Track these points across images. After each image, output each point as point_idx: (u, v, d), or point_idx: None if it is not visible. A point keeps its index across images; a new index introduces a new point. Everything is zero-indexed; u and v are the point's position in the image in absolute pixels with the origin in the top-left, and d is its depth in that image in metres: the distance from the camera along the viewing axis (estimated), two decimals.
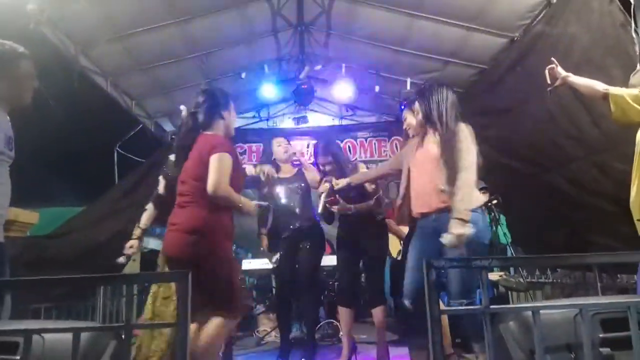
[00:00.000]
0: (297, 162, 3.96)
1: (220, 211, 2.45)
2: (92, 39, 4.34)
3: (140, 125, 5.46)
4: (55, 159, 4.47)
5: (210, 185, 2.36)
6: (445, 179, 2.52)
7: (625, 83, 2.83)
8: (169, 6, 4.31)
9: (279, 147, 3.92)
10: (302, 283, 3.70)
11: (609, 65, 3.24)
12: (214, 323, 2.36)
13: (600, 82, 2.45)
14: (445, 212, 2.49)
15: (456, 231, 2.31)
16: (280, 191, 3.81)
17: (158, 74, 5.15)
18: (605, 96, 2.37)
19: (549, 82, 2.60)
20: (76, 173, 4.85)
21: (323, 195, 3.37)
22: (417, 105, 2.83)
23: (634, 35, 2.90)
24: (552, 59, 2.62)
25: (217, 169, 2.38)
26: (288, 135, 6.98)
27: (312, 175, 3.83)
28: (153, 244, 6.05)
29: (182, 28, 4.63)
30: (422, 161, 2.75)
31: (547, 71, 2.60)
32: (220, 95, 2.66)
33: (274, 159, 3.99)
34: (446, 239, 2.32)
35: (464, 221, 2.32)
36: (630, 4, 2.95)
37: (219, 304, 2.38)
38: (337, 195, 3.41)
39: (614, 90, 2.37)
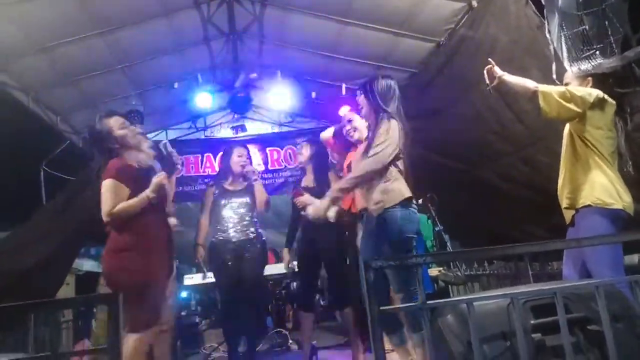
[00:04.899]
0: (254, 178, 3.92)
1: (128, 229, 2.55)
2: (11, 52, 4.08)
3: (67, 142, 5.18)
4: None
5: (103, 215, 2.52)
6: None
7: (543, 80, 3.01)
8: (92, 16, 4.13)
9: (239, 157, 3.86)
10: (244, 296, 3.65)
11: (528, 65, 3.43)
12: (126, 341, 2.38)
13: (531, 80, 2.60)
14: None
15: (319, 205, 2.49)
16: (226, 204, 3.78)
17: (84, 86, 4.92)
18: (535, 93, 2.51)
19: (487, 81, 2.74)
20: None
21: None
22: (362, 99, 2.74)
23: (547, 35, 3.07)
24: (490, 59, 2.76)
25: (102, 197, 2.53)
26: (227, 144, 6.94)
27: (260, 193, 3.84)
28: (88, 265, 5.77)
29: (108, 38, 4.45)
30: (355, 160, 2.81)
31: (485, 71, 2.73)
32: (94, 135, 2.73)
33: (223, 169, 3.97)
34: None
35: (334, 199, 2.48)
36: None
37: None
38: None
39: (543, 87, 2.52)
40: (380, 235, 2.48)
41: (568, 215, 2.58)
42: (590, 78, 2.60)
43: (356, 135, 3.30)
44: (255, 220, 3.84)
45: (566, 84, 2.67)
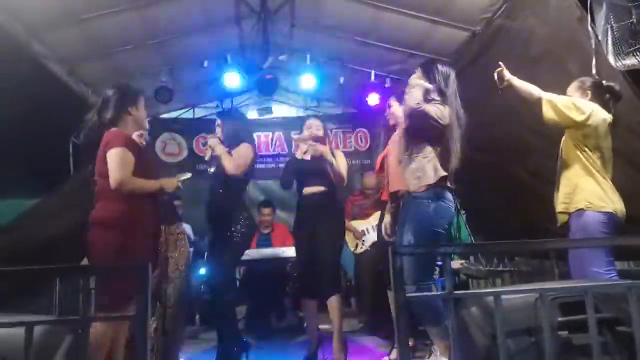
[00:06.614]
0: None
1: (130, 203, 2.50)
2: (46, 23, 4.13)
3: None
4: (6, 149, 4.25)
5: (112, 182, 2.44)
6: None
7: (580, 75, 2.98)
8: None
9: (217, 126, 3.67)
10: (219, 279, 3.34)
11: (566, 59, 3.34)
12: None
13: (536, 87, 2.78)
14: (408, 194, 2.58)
15: None
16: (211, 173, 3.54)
17: (116, 60, 4.97)
18: (539, 100, 2.71)
19: (497, 84, 2.88)
20: (29, 164, 4.60)
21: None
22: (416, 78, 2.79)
23: (589, 29, 3.00)
24: (500, 62, 2.87)
25: (114, 164, 2.45)
26: (252, 126, 6.94)
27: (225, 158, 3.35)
28: None
29: (141, 13, 4.48)
30: (393, 143, 2.83)
31: (495, 73, 2.88)
32: (127, 91, 2.70)
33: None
34: None
35: None
36: None
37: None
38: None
39: (547, 95, 2.71)
40: (413, 219, 2.49)
41: (562, 218, 2.76)
42: (589, 91, 2.77)
43: (392, 121, 3.36)
44: (222, 191, 3.39)
45: (568, 95, 2.82)
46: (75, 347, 1.37)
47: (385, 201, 3.43)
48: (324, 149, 3.45)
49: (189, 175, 2.94)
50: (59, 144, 4.99)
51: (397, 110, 3.33)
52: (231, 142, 3.42)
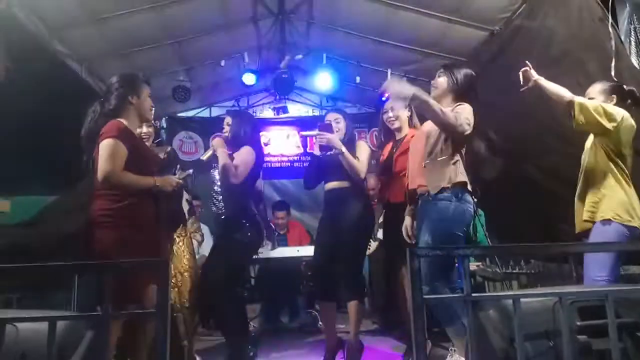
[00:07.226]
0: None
1: (126, 199, 2.37)
2: (67, 22, 4.20)
3: None
4: (28, 146, 4.32)
5: (99, 173, 2.32)
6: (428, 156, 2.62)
7: (600, 76, 2.93)
8: None
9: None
10: (216, 285, 3.15)
11: (586, 59, 3.29)
12: None
13: (566, 89, 2.66)
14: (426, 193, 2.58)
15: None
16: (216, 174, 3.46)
17: (134, 60, 5.03)
18: (570, 103, 2.58)
19: (522, 83, 2.77)
20: (50, 160, 4.68)
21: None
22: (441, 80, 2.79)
23: (610, 29, 2.95)
24: (527, 62, 2.78)
25: (103, 156, 2.32)
26: (268, 124, 6.98)
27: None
28: None
29: (159, 13, 4.53)
30: (416, 140, 2.85)
31: (520, 73, 2.77)
32: (129, 79, 2.57)
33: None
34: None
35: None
36: None
37: None
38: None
39: (579, 99, 2.60)
40: (431, 219, 2.48)
41: (584, 226, 2.66)
42: (614, 96, 2.68)
43: (396, 124, 3.33)
44: (217, 192, 3.37)
45: (590, 98, 2.72)
46: (97, 342, 1.39)
47: (383, 202, 3.45)
48: (331, 137, 3.20)
49: (190, 172, 2.88)
50: (79, 140, 5.05)
51: (402, 114, 3.29)
52: (236, 143, 3.32)
